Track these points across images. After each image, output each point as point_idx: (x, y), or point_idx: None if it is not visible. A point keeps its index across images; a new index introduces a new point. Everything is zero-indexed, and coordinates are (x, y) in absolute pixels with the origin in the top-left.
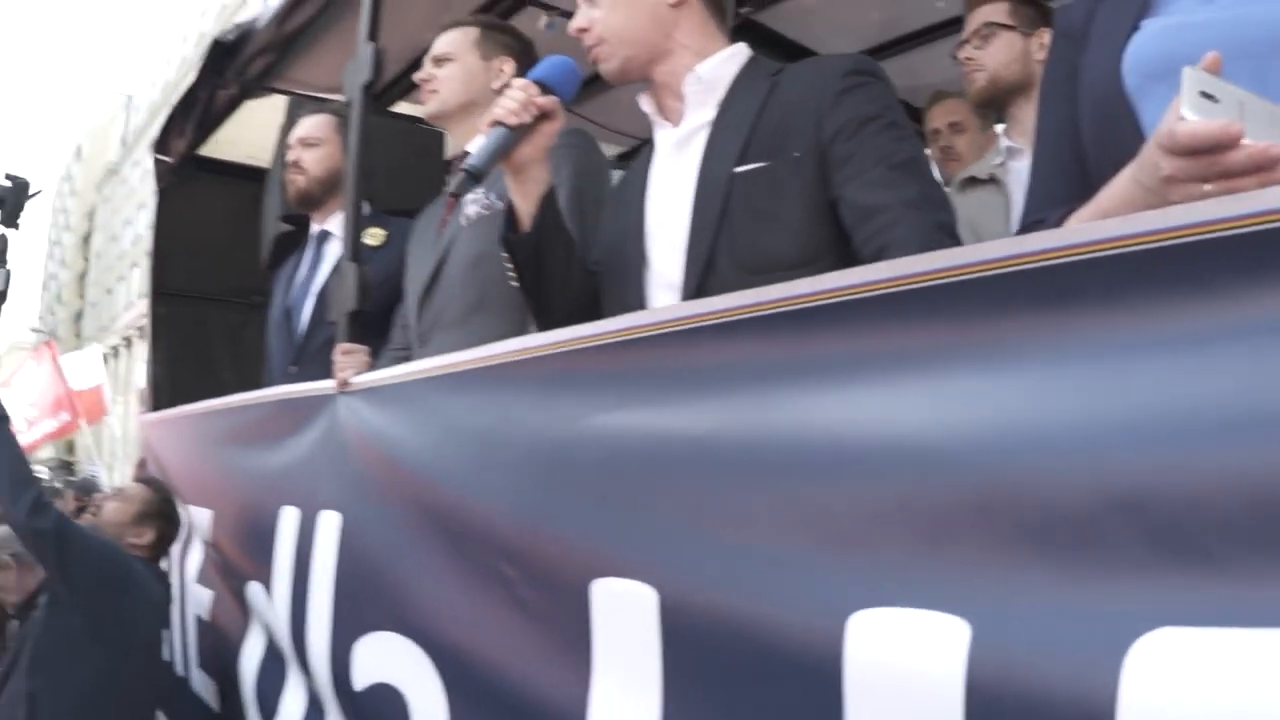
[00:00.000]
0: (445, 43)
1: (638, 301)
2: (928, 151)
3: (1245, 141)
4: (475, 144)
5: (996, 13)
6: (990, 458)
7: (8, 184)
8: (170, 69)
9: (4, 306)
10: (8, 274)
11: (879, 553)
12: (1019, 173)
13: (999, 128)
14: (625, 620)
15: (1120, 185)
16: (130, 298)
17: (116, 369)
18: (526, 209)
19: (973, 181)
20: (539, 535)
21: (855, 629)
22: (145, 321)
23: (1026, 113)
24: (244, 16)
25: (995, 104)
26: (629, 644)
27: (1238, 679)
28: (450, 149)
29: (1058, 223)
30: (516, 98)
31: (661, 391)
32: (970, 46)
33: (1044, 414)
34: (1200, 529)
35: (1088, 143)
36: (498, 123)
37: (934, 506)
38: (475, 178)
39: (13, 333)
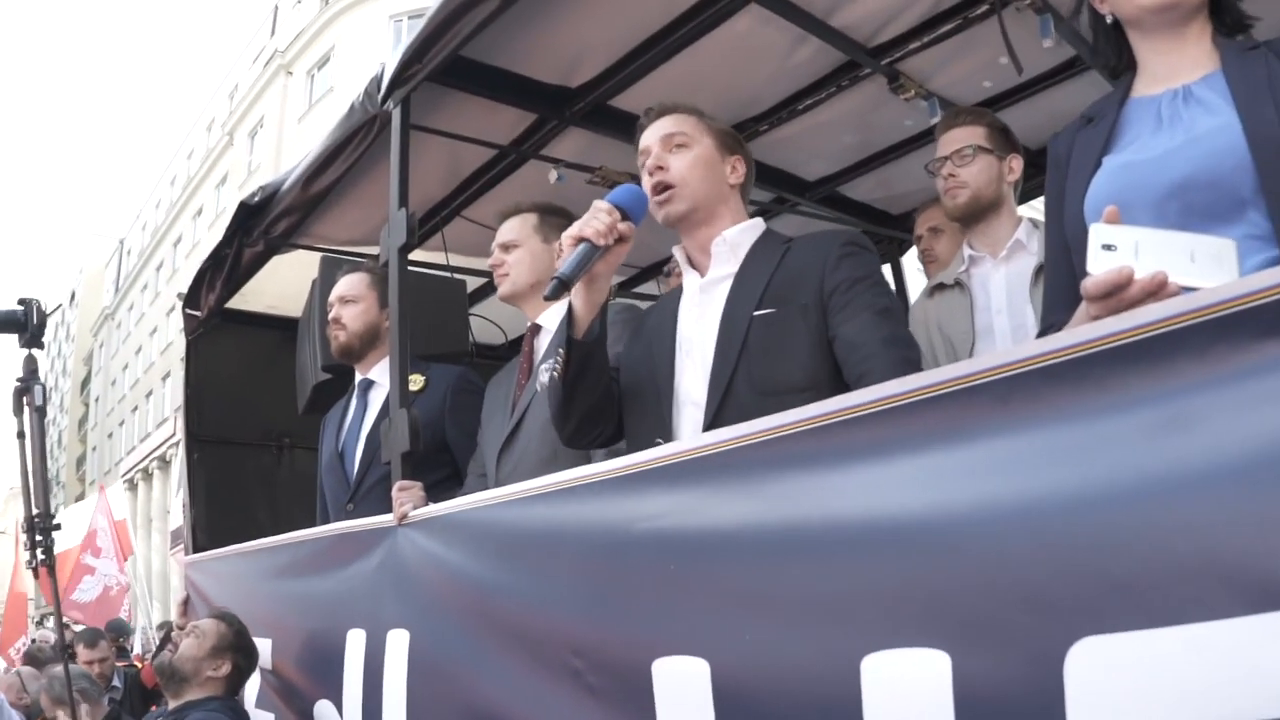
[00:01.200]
0: (510, 230)
1: (667, 413)
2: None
3: (1137, 277)
4: (563, 262)
5: (976, 136)
6: (957, 530)
7: (20, 308)
8: (160, 213)
9: (45, 421)
10: (44, 389)
11: (880, 606)
12: (980, 277)
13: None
14: (683, 691)
15: (1080, 316)
16: (133, 441)
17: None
18: (587, 315)
19: (941, 287)
20: (602, 627)
21: (867, 668)
22: (173, 463)
23: (995, 227)
24: (228, 160)
25: (972, 219)
26: (687, 710)
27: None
28: (524, 321)
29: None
30: (604, 221)
31: (702, 497)
32: (951, 164)
33: (992, 494)
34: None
35: (1075, 264)
36: (584, 239)
37: (919, 569)
38: (566, 285)
39: (12, 479)
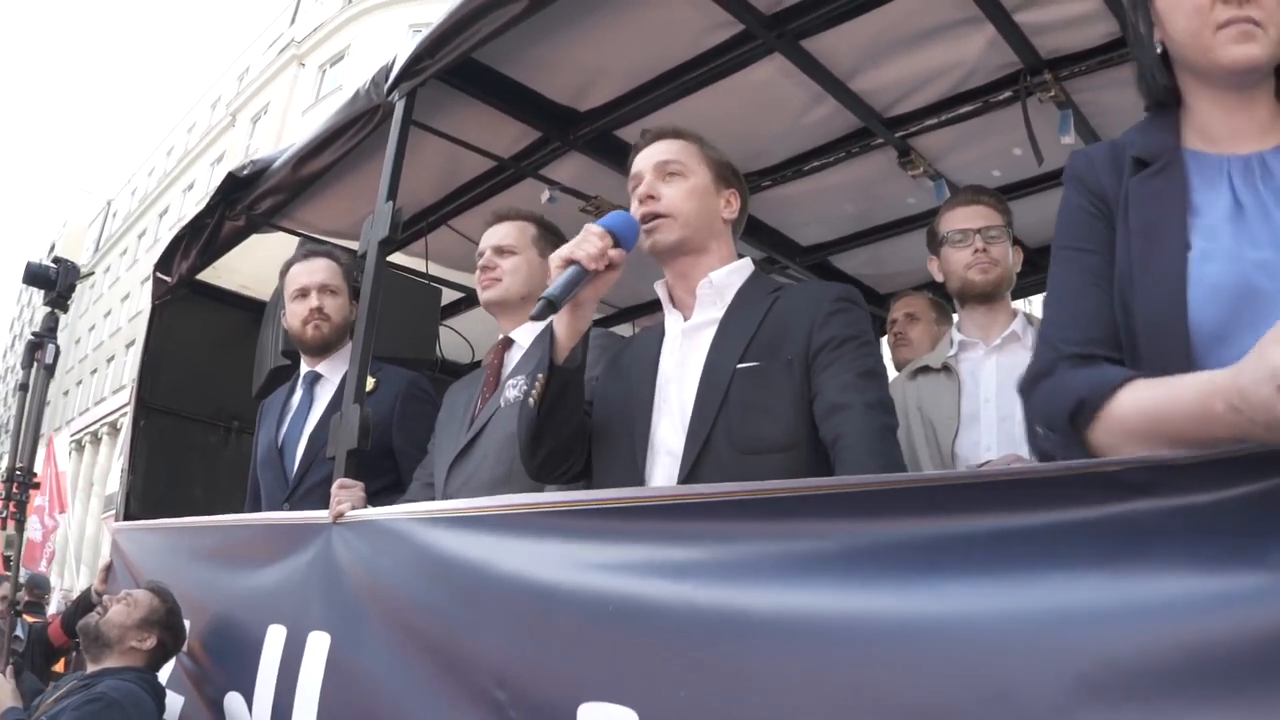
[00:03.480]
0: (506, 235)
1: (640, 459)
2: (884, 339)
3: None
4: (551, 282)
5: (999, 218)
6: (921, 625)
7: (55, 266)
8: (151, 180)
9: (56, 377)
10: (57, 349)
11: (831, 692)
12: (970, 364)
13: (955, 318)
14: None
15: (1202, 402)
16: (87, 403)
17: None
18: (569, 341)
19: (926, 370)
20: (528, 662)
21: None
22: (122, 430)
23: (994, 314)
24: (226, 140)
25: (985, 300)
26: None
27: None
28: (498, 333)
29: (1113, 389)
30: (596, 245)
31: (646, 548)
32: (982, 239)
33: (970, 593)
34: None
35: (1135, 333)
36: (574, 262)
37: (876, 661)
38: (554, 306)
39: None
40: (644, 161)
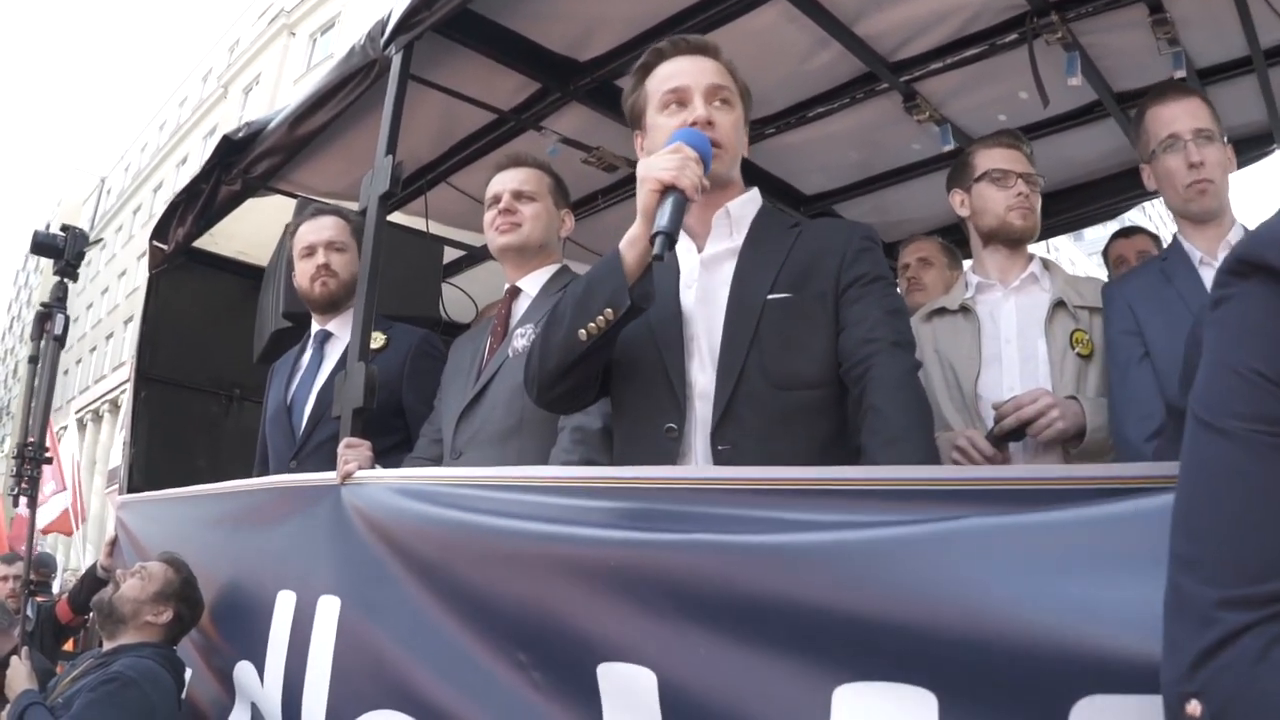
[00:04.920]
0: (526, 180)
1: (683, 401)
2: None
3: None
4: (659, 214)
5: (1031, 168)
6: (949, 569)
7: (63, 234)
8: (144, 156)
9: (61, 352)
10: (66, 319)
11: (859, 634)
12: (989, 305)
13: (967, 264)
14: (630, 699)
15: None
16: (87, 381)
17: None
18: (637, 273)
19: (942, 311)
20: (546, 624)
21: (840, 699)
22: (123, 405)
23: (1015, 257)
24: (219, 112)
25: (1020, 241)
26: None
27: None
28: (504, 281)
29: None
30: (697, 173)
31: (668, 520)
32: (1024, 184)
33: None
34: None
35: None
36: (674, 189)
37: (906, 600)
38: (673, 241)
39: None
40: (693, 78)
